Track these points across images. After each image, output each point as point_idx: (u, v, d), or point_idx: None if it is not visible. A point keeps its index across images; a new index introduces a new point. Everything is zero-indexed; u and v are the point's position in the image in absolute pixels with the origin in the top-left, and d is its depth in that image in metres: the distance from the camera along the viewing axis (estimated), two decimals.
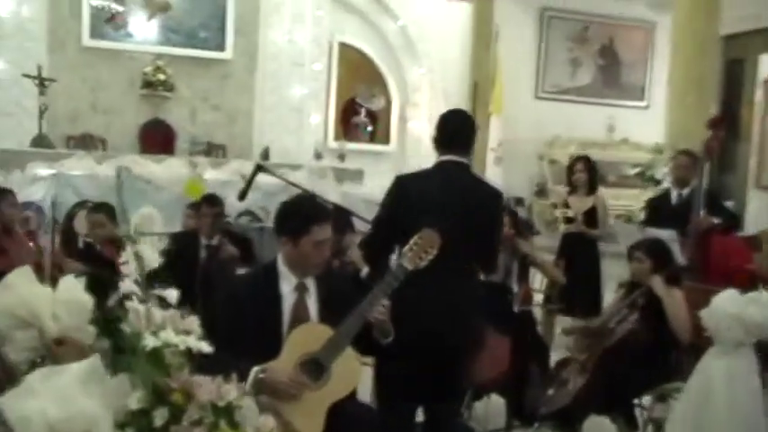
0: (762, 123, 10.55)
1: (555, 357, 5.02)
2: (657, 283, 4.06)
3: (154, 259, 1.59)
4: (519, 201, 11.32)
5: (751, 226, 9.88)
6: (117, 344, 1.91)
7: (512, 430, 4.39)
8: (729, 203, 8.85)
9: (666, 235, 4.80)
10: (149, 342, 1.50)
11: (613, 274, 5.78)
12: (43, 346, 2.07)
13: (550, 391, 4.17)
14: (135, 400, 1.47)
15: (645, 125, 11.34)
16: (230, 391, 1.55)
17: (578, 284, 5.44)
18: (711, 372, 3.07)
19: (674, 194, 5.54)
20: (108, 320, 2.94)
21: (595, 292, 5.78)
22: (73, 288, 2.35)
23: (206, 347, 1.55)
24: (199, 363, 1.67)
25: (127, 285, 1.58)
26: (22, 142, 8.51)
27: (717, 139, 5.16)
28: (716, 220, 5.20)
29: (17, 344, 2.18)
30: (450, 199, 3.23)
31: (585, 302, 5.48)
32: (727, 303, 3.13)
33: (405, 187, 3.36)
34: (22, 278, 2.37)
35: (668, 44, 10.32)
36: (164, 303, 1.60)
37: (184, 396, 1.51)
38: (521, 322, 4.37)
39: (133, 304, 1.57)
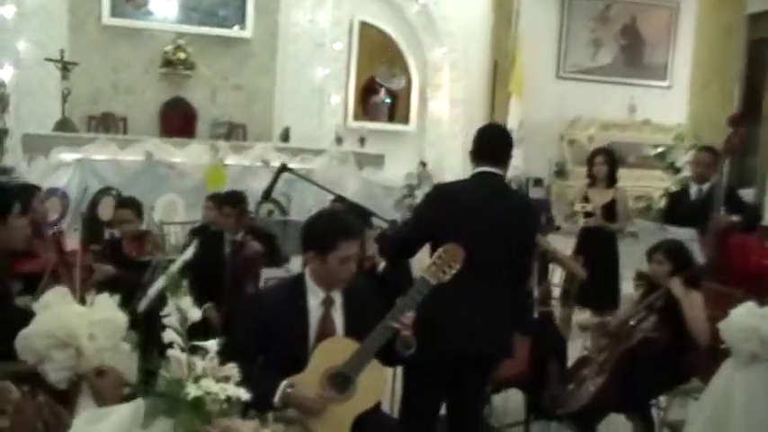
0: None
1: (572, 349, 5.10)
2: (676, 286, 4.08)
3: (195, 313, 1.65)
4: (538, 181, 11.34)
5: None
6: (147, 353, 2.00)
7: (530, 424, 4.45)
8: (750, 191, 8.84)
9: (686, 234, 4.82)
10: (191, 391, 1.57)
11: (634, 253, 5.76)
12: (84, 376, 2.17)
13: (571, 386, 4.22)
14: None
15: (667, 105, 11.27)
16: None
17: (596, 278, 5.46)
18: (730, 386, 3.13)
19: (693, 190, 5.56)
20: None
21: (613, 287, 5.80)
22: (107, 308, 2.44)
23: (244, 395, 1.62)
24: None
25: (169, 335, 1.65)
26: (43, 123, 8.63)
27: (738, 135, 5.15)
28: (735, 218, 5.20)
29: (56, 363, 2.27)
30: (486, 211, 3.28)
31: (603, 296, 5.52)
32: (744, 316, 3.19)
33: (441, 197, 3.45)
34: (59, 298, 2.46)
35: (692, 23, 10.24)
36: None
37: None
38: (540, 321, 4.42)
39: (175, 353, 1.64)
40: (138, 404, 1.67)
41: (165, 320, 1.65)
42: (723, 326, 3.23)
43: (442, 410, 3.54)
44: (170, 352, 1.66)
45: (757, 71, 10.57)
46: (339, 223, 3.04)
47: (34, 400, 1.68)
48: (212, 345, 1.65)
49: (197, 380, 1.62)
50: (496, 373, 4.27)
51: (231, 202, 4.92)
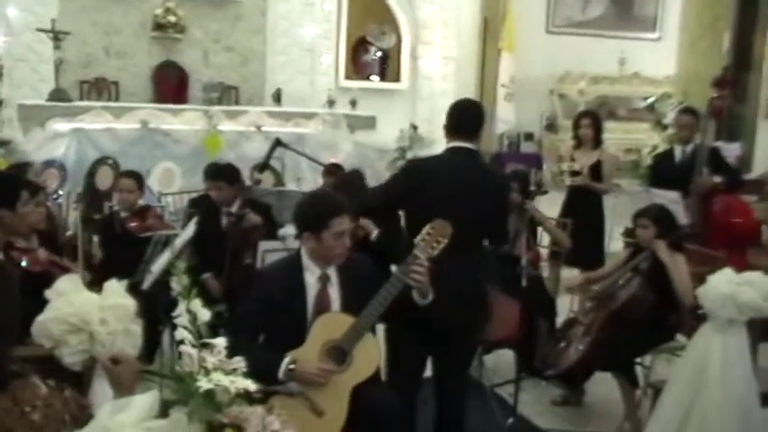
0: None
1: (561, 306, 5.28)
2: (661, 249, 4.23)
3: (205, 313, 1.79)
4: (529, 136, 11.43)
5: (761, 157, 10.03)
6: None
7: (520, 382, 4.64)
8: (736, 146, 8.98)
9: (671, 196, 4.96)
10: (203, 384, 1.72)
11: (622, 212, 5.89)
12: (100, 362, 2.32)
13: (562, 344, 4.39)
14: None
15: (656, 58, 11.30)
16: (273, 422, 1.79)
17: (583, 238, 5.61)
18: (708, 348, 3.31)
19: (677, 151, 5.67)
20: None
21: (599, 245, 5.94)
22: (117, 293, 2.58)
23: (252, 386, 1.77)
24: (233, 349, 1.90)
25: (180, 333, 1.79)
26: (36, 89, 8.67)
27: (722, 99, 5.25)
28: (718, 179, 5.34)
29: (71, 348, 2.43)
30: (461, 185, 3.39)
31: (590, 255, 5.66)
32: (721, 283, 3.35)
33: (417, 170, 3.54)
34: (71, 285, 2.61)
35: None
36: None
37: (235, 430, 1.74)
38: (529, 285, 4.57)
39: (186, 349, 1.78)
40: (155, 395, 1.82)
41: (177, 320, 1.79)
42: (701, 292, 3.40)
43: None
44: (182, 348, 1.80)
45: (747, 20, 10.58)
46: (327, 202, 3.19)
47: (61, 395, 1.82)
48: (221, 341, 1.79)
49: (208, 373, 1.77)
50: (489, 335, 4.48)
51: (229, 179, 4.99)
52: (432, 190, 3.37)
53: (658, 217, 4.36)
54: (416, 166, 3.65)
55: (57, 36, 7.77)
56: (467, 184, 3.40)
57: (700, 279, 3.66)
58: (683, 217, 4.95)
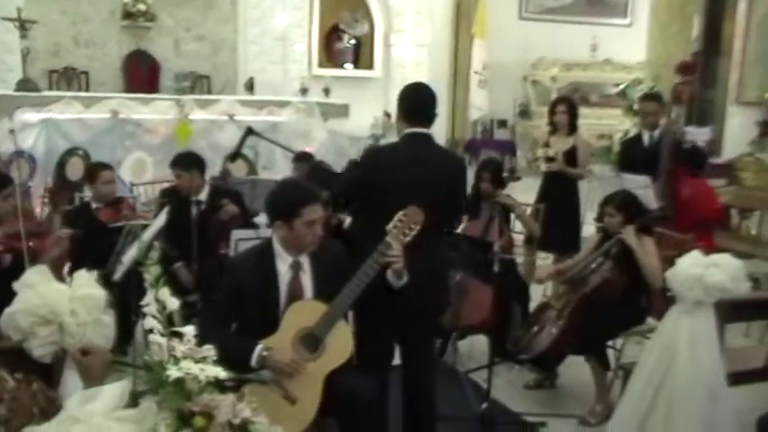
0: (743, 39, 10.62)
1: (535, 292, 5.33)
2: (629, 235, 4.29)
3: (173, 302, 1.79)
4: (503, 123, 11.49)
5: (730, 141, 10.15)
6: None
7: (494, 366, 4.67)
8: (706, 130, 9.06)
9: (640, 181, 5.01)
10: (173, 373, 1.72)
11: (596, 197, 5.94)
12: (70, 354, 2.30)
13: (534, 329, 4.43)
14: (164, 427, 1.70)
15: (628, 43, 11.38)
16: (244, 409, 1.79)
17: (559, 222, 5.66)
18: (676, 329, 3.36)
19: (645, 137, 5.74)
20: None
21: (574, 230, 5.97)
22: (86, 284, 2.56)
23: (222, 374, 1.77)
24: (203, 336, 1.90)
25: (149, 322, 1.79)
26: (3, 79, 8.58)
27: (686, 84, 5.31)
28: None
29: (40, 339, 2.41)
30: (420, 172, 3.38)
31: (565, 240, 5.71)
32: (690, 265, 3.39)
33: (377, 159, 3.56)
34: (40, 276, 2.58)
35: None
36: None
37: (205, 418, 1.74)
38: (502, 270, 4.59)
39: (155, 338, 1.78)
40: (125, 384, 1.82)
41: (145, 309, 1.79)
42: (670, 275, 3.45)
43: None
44: (151, 337, 1.80)
45: (718, 4, 10.67)
46: (299, 191, 3.18)
47: (29, 388, 1.81)
48: (190, 329, 1.79)
49: (177, 362, 1.77)
50: (463, 321, 4.52)
51: (181, 165, 4.97)
52: (390, 177, 3.37)
53: (623, 204, 4.39)
54: (375, 153, 3.68)
55: (23, 25, 7.65)
56: (428, 170, 3.40)
57: (669, 262, 3.71)
58: (653, 201, 5.00)
